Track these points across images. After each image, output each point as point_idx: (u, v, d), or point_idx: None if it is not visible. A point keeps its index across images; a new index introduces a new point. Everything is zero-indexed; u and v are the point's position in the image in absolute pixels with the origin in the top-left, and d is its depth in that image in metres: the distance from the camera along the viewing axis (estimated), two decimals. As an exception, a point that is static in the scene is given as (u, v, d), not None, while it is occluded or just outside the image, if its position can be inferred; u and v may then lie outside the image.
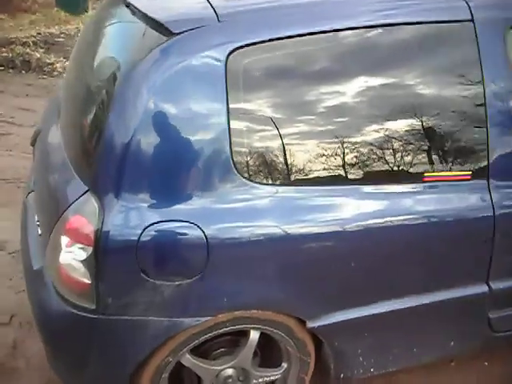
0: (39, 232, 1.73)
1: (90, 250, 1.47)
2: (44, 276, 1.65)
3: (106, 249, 1.45)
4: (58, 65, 5.48)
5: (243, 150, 1.50)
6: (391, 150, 1.60)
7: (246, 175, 1.51)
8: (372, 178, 1.62)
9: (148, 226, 1.45)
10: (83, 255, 1.49)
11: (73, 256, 1.51)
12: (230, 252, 1.52)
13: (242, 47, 1.48)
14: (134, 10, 1.65)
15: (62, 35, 6.42)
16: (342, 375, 1.88)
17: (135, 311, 1.52)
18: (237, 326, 1.66)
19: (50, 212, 1.65)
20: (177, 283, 1.50)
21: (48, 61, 5.51)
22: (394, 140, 1.60)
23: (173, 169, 1.48)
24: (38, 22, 7.01)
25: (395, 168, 1.63)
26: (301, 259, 1.59)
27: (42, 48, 5.86)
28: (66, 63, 5.53)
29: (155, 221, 1.46)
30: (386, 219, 1.64)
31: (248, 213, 1.52)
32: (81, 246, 1.49)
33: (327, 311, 1.70)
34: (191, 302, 1.55)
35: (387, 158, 1.60)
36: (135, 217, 1.46)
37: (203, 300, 1.55)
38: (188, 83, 1.46)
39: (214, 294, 1.54)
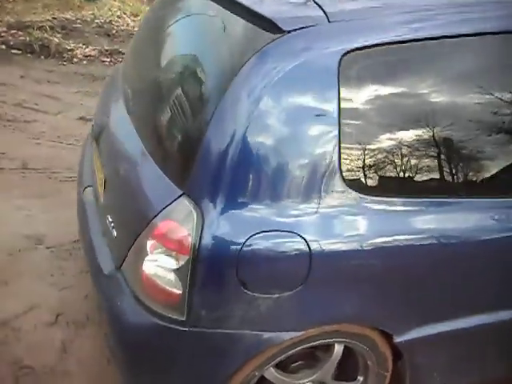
0: (114, 234, 1.64)
1: (185, 258, 1.38)
2: (120, 282, 1.57)
3: (204, 258, 1.36)
4: (77, 51, 5.32)
5: (352, 157, 1.42)
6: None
7: (353, 184, 1.43)
8: (482, 190, 1.57)
9: (251, 236, 1.37)
10: (174, 264, 1.40)
11: (161, 264, 1.43)
12: (330, 264, 1.44)
13: (354, 50, 1.39)
14: (230, 5, 1.56)
15: (79, 21, 6.25)
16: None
17: (229, 324, 1.44)
18: (324, 340, 1.60)
19: (132, 214, 1.56)
20: (276, 296, 1.42)
21: (67, 47, 5.35)
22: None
23: (277, 176, 1.39)
24: (52, 7, 6.84)
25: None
26: (399, 273, 1.52)
27: (59, 33, 5.69)
28: (86, 50, 5.41)
29: (258, 230, 1.38)
30: (482, 233, 1.58)
31: (351, 224, 1.45)
32: (172, 253, 1.41)
33: (413, 326, 1.64)
34: (288, 316, 1.47)
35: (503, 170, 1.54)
36: (237, 226, 1.38)
37: (300, 313, 1.48)
38: (300, 85, 1.37)
39: (311, 307, 1.47)
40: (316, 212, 1.41)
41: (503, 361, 1.90)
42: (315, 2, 1.46)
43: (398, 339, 1.63)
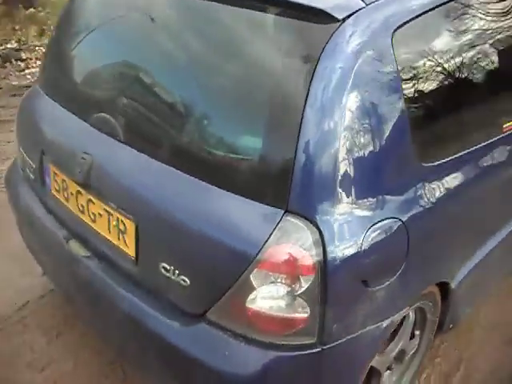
0: (182, 282, 1.40)
1: (310, 278, 1.28)
2: (209, 331, 1.40)
3: (333, 271, 1.28)
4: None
5: (421, 134, 1.47)
6: None
7: (424, 158, 1.48)
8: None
9: (366, 231, 1.33)
10: (297, 288, 1.29)
11: (274, 294, 1.31)
12: (422, 235, 1.50)
13: (400, 26, 1.41)
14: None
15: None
16: (451, 326, 2.01)
17: (356, 327, 1.39)
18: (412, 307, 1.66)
19: (219, 254, 1.34)
20: (387, 283, 1.42)
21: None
22: None
23: (373, 167, 1.37)
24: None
25: None
26: (467, 221, 1.69)
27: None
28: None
29: (370, 225, 1.34)
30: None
31: (431, 193, 1.52)
32: (287, 279, 1.29)
33: (461, 267, 1.80)
34: (397, 297, 1.49)
35: None
36: (352, 227, 1.32)
37: (404, 290, 1.51)
38: (371, 72, 1.34)
39: (411, 281, 1.52)
40: (405, 193, 1.44)
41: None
42: None
43: (453, 285, 1.77)
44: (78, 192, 1.68)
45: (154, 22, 1.63)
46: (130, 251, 1.55)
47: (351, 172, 1.32)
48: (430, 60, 1.51)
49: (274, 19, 1.40)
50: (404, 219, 1.42)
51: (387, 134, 1.37)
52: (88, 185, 1.62)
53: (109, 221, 1.59)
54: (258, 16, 1.43)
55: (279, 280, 1.30)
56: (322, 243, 1.28)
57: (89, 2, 1.96)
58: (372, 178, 1.38)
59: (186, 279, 1.40)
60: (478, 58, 1.66)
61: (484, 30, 1.70)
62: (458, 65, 1.59)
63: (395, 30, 1.40)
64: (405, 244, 1.44)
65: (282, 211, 1.29)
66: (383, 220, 1.38)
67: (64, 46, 1.93)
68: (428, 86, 1.50)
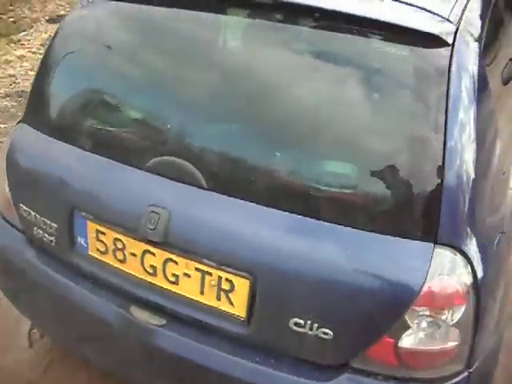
0: (324, 335, 1.28)
1: (464, 306, 1.26)
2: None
3: (483, 296, 1.28)
4: None
5: None
6: None
7: None
8: None
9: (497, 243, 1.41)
10: (451, 318, 1.27)
11: (433, 327, 1.27)
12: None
13: None
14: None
15: None
16: None
17: (489, 344, 1.42)
18: None
19: (368, 302, 1.25)
20: None
21: None
22: None
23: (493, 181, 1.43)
24: None
25: None
26: None
27: None
28: None
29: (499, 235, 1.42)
30: None
31: None
32: (447, 310, 1.26)
33: None
34: None
35: None
36: (490, 248, 1.36)
37: None
38: (485, 88, 1.43)
39: None
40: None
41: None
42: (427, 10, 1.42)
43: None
44: (147, 252, 1.42)
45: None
46: (239, 311, 1.36)
47: (483, 201, 1.34)
48: None
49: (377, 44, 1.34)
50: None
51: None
52: (167, 243, 1.39)
53: (202, 281, 1.38)
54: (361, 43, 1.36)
55: (433, 314, 1.27)
56: (473, 272, 1.27)
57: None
58: (493, 192, 1.42)
59: (329, 331, 1.28)
60: None
61: None
62: None
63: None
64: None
65: (432, 244, 1.25)
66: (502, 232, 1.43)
67: (81, 75, 1.62)
68: None
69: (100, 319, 1.53)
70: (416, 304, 1.24)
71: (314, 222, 1.30)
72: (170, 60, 1.55)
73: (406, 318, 1.25)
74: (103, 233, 1.48)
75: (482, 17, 1.58)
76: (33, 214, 1.62)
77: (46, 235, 1.60)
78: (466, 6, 1.50)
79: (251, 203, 1.34)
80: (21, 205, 1.64)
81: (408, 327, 1.26)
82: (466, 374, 1.34)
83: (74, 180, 1.54)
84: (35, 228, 1.63)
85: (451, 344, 1.29)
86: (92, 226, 1.50)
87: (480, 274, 1.28)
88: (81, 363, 1.96)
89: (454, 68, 1.30)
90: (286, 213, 1.32)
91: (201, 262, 1.36)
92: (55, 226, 1.57)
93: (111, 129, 1.56)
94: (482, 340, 1.35)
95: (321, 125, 1.37)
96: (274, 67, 1.44)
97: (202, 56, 1.48)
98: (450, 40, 1.33)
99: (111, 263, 1.50)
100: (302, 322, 1.30)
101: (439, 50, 1.32)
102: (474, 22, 1.52)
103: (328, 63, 1.41)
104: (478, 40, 1.45)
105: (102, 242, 1.50)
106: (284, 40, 1.44)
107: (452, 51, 1.32)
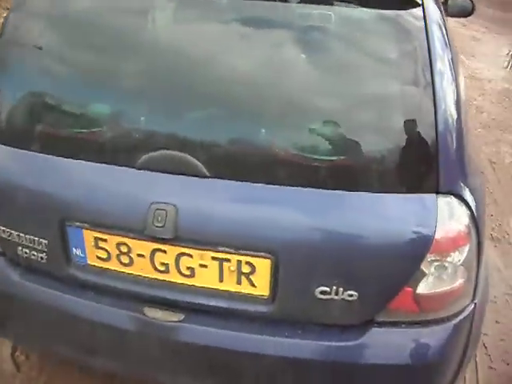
0: (352, 297, 1.34)
1: (468, 246, 1.37)
2: (387, 334, 1.40)
3: (482, 234, 1.40)
4: None
5: None
6: None
7: None
8: None
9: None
10: (459, 258, 1.37)
11: (445, 270, 1.37)
12: None
13: None
14: None
15: None
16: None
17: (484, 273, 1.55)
18: None
19: (388, 255, 1.32)
20: None
21: None
22: None
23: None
24: None
25: None
26: None
27: None
28: None
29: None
30: None
31: None
32: (455, 252, 1.36)
33: None
34: None
35: None
36: (479, 191, 1.47)
37: None
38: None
39: None
40: None
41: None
42: None
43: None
44: (157, 250, 1.38)
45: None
46: (262, 291, 1.38)
47: (468, 146, 1.43)
48: None
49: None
50: None
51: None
52: (178, 238, 1.36)
53: (221, 269, 1.37)
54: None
55: (443, 258, 1.36)
56: (471, 213, 1.37)
57: None
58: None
59: (354, 292, 1.34)
60: None
61: None
62: None
63: None
64: None
65: (435, 195, 1.34)
66: None
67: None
68: None
69: (112, 327, 1.48)
70: (430, 252, 1.33)
71: (322, 192, 1.34)
72: (130, 50, 1.48)
73: (422, 267, 1.34)
74: (103, 239, 1.42)
75: None
76: (14, 233, 1.50)
77: (34, 253, 1.50)
78: None
79: (258, 184, 1.35)
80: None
81: (424, 274, 1.35)
82: (472, 305, 1.47)
83: (59, 191, 1.44)
84: (19, 248, 1.52)
85: (460, 281, 1.40)
86: (89, 235, 1.43)
87: (476, 215, 1.39)
88: (79, 376, 1.89)
89: (429, 25, 1.37)
90: (294, 187, 1.34)
91: (217, 251, 1.36)
92: (44, 241, 1.47)
93: (88, 131, 1.46)
94: (480, 272, 1.48)
95: (306, 92, 1.39)
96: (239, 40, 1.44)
97: (162, 41, 1.45)
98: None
99: (116, 269, 1.45)
100: (327, 289, 1.34)
101: (414, 10, 1.38)
102: None
103: (303, 34, 1.43)
104: None
105: (103, 248, 1.43)
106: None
107: (424, 10, 1.39)
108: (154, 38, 1.51)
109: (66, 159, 1.45)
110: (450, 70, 1.39)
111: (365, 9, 1.39)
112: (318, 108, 1.37)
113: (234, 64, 1.42)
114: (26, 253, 1.52)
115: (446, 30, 1.45)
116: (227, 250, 1.35)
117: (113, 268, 1.45)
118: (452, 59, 1.42)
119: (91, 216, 1.42)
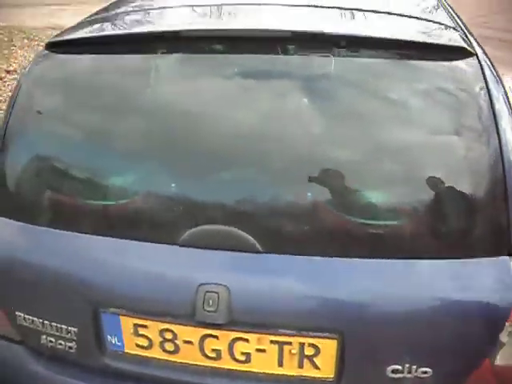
0: (426, 374, 1.21)
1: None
2: None
3: None
4: None
5: None
6: None
7: None
8: None
9: None
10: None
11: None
12: None
13: None
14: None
15: None
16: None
17: None
18: None
19: (456, 328, 1.21)
20: None
21: None
22: None
23: None
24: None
25: None
26: None
27: None
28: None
29: None
30: None
31: None
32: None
33: None
34: None
35: None
36: None
37: None
38: None
39: None
40: None
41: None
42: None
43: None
44: (208, 336, 1.24)
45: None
46: (326, 373, 1.24)
47: None
48: None
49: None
50: None
51: None
52: (232, 322, 1.21)
53: (280, 352, 1.23)
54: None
55: None
56: None
57: None
58: None
59: (428, 369, 1.22)
60: None
61: None
62: None
63: None
64: None
65: (507, 257, 1.23)
66: None
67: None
68: None
69: None
70: (508, 320, 1.23)
71: (388, 263, 1.22)
72: (153, 114, 1.34)
73: (500, 336, 1.24)
74: (144, 326, 1.26)
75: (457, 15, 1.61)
76: (38, 321, 1.33)
77: (62, 341, 1.33)
78: (449, 10, 1.51)
79: (320, 257, 1.22)
80: (18, 313, 1.35)
81: (503, 344, 1.24)
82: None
83: (91, 273, 1.28)
84: (43, 336, 1.35)
85: None
86: (127, 322, 1.27)
87: None
88: None
89: (486, 74, 1.28)
90: (358, 259, 1.22)
91: (276, 334, 1.22)
92: (74, 329, 1.31)
93: (119, 204, 1.31)
94: None
95: (363, 150, 1.27)
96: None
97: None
98: (472, 49, 1.31)
99: (158, 357, 1.29)
100: (399, 367, 1.22)
101: (469, 60, 1.30)
102: (461, 23, 1.53)
103: (366, 93, 1.31)
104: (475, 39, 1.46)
105: (144, 336, 1.27)
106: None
107: (478, 59, 1.30)
108: (174, 100, 1.37)
109: (96, 237, 1.29)
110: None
111: (423, 61, 1.29)
112: (376, 169, 1.26)
113: (277, 123, 1.30)
114: (51, 341, 1.35)
115: (499, 76, 1.36)
116: (288, 332, 1.21)
117: (155, 356, 1.29)
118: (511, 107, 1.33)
119: (129, 301, 1.26)
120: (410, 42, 1.27)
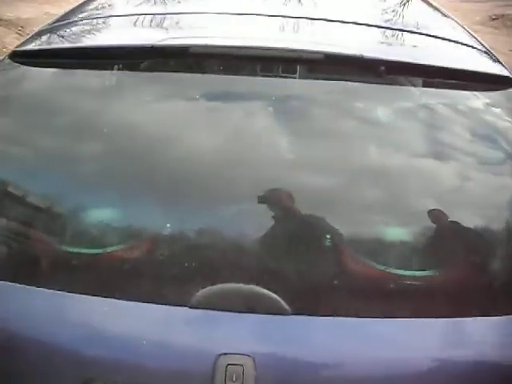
0: None
1: None
2: None
3: None
4: None
5: None
6: None
7: None
8: None
9: None
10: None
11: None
12: None
13: None
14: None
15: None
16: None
17: None
18: None
19: None
20: None
21: None
22: None
23: None
24: None
25: None
26: None
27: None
28: None
29: None
30: None
31: None
32: None
33: None
34: None
35: None
36: None
37: None
38: None
39: None
40: None
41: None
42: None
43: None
44: None
45: None
46: None
47: None
48: None
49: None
50: None
51: None
52: None
53: None
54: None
55: None
56: None
57: None
58: None
59: None
60: None
61: None
62: None
63: None
64: None
65: None
66: None
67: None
68: None
69: None
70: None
71: (419, 322, 1.07)
72: (160, 151, 1.14)
73: None
74: None
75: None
76: None
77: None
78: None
79: (358, 318, 1.05)
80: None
81: None
82: None
83: (79, 342, 1.05)
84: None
85: None
86: None
87: None
88: None
89: None
90: (394, 319, 1.06)
91: None
92: None
93: (124, 262, 1.09)
94: None
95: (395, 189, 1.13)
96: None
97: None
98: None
99: None
100: None
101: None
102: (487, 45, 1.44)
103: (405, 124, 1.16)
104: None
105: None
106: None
107: None
108: (182, 135, 1.17)
109: (85, 296, 1.06)
110: None
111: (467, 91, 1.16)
112: (415, 211, 1.11)
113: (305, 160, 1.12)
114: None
115: None
116: None
117: None
118: None
119: (128, 376, 1.05)
120: (461, 70, 1.15)
